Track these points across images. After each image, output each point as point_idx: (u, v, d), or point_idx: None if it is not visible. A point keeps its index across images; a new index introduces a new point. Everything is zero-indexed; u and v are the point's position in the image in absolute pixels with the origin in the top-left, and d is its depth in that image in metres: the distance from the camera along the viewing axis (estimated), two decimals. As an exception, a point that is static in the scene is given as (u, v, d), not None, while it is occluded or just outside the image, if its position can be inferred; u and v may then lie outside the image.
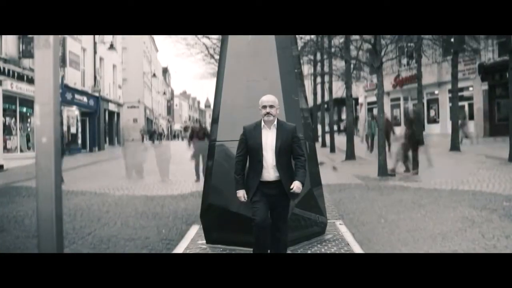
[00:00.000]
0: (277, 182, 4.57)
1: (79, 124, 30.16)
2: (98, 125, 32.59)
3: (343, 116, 41.14)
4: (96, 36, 31.96)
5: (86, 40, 30.37)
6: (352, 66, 20.61)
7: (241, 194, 4.64)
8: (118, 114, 40.56)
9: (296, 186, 4.46)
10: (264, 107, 4.58)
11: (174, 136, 78.02)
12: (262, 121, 4.62)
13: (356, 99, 40.09)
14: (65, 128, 26.94)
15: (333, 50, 22.28)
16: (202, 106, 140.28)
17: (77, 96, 28.33)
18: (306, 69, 33.74)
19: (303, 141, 5.97)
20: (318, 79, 30.42)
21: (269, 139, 4.58)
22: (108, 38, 33.96)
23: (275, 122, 4.64)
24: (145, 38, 60.55)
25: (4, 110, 20.46)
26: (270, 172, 4.58)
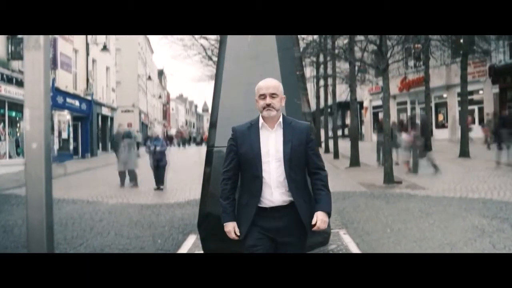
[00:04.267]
0: (286, 209, 3.23)
1: (71, 129, 30.16)
2: (90, 130, 32.60)
3: (347, 121, 41.17)
4: (89, 37, 32.03)
5: (78, 41, 30.42)
6: (356, 68, 20.65)
7: (231, 228, 3.29)
8: (112, 119, 40.56)
9: (321, 219, 3.11)
10: (262, 96, 3.28)
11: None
12: (260, 118, 3.33)
13: (361, 103, 40.16)
14: (56, 133, 26.95)
15: (336, 51, 22.31)
16: (199, 110, 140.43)
17: (68, 100, 28.35)
18: (309, 71, 33.80)
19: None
20: (321, 82, 30.46)
21: (271, 144, 3.26)
22: (101, 38, 34.01)
23: (280, 119, 3.31)
24: (140, 38, 60.68)
25: (-8, 114, 20.49)
26: (274, 194, 3.22)
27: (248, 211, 3.25)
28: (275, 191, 3.22)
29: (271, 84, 3.30)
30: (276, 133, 3.28)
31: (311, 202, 3.27)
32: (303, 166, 3.32)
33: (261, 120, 3.32)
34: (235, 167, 3.36)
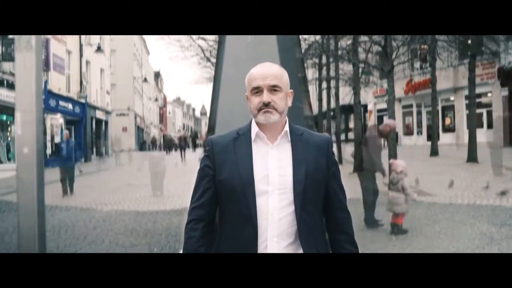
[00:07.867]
0: None
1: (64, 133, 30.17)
2: (84, 134, 32.59)
3: (351, 125, 41.20)
4: (82, 37, 32.07)
5: (71, 41, 30.45)
6: (360, 70, 20.67)
7: None
8: (106, 122, 40.60)
9: None
10: (256, 90, 2.20)
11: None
12: (254, 125, 2.20)
13: (365, 106, 40.18)
14: (48, 138, 26.95)
15: (339, 52, 22.35)
16: (197, 113, 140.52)
17: (61, 103, 28.36)
18: (311, 73, 33.82)
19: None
20: (324, 84, 30.48)
21: (272, 166, 2.11)
22: (95, 39, 34.06)
23: (287, 128, 2.17)
24: (136, 39, 60.78)
25: (-18, 118, 20.53)
26: (270, 246, 2.12)
27: None
28: (271, 242, 2.10)
29: (271, 71, 2.20)
30: (279, 149, 2.13)
31: None
32: (320, 203, 2.21)
33: (254, 128, 2.17)
34: (210, 201, 2.23)
